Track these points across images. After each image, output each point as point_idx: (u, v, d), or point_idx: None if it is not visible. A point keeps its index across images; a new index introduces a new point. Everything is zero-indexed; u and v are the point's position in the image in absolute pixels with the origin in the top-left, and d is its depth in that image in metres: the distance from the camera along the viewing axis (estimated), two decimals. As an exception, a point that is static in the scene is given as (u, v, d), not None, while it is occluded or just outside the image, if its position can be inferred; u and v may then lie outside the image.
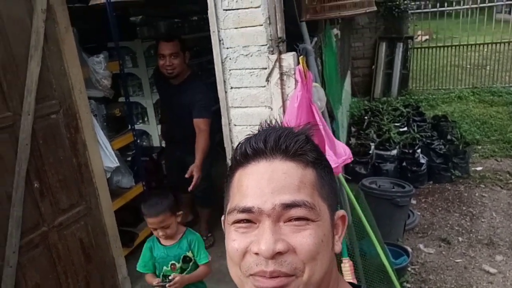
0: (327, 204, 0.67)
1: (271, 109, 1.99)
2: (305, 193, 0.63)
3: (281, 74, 1.89)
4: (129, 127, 3.01)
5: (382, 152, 4.76)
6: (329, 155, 2.01)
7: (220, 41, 1.93)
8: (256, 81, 1.96)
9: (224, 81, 2.01)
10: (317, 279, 0.64)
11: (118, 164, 2.58)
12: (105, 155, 2.52)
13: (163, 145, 4.02)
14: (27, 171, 2.06)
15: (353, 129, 5.68)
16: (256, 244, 0.62)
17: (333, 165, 1.94)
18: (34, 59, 2.02)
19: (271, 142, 0.65)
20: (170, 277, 1.97)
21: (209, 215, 3.43)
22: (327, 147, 1.98)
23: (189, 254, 2.09)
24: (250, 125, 2.06)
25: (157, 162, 4.16)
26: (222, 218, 0.71)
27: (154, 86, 4.29)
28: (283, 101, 1.94)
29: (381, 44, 7.36)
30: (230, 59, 1.96)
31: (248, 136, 0.69)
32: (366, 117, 5.94)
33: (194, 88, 2.92)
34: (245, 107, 2.03)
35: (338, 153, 2.07)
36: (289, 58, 1.87)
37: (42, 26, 2.03)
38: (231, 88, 2.02)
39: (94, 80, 2.44)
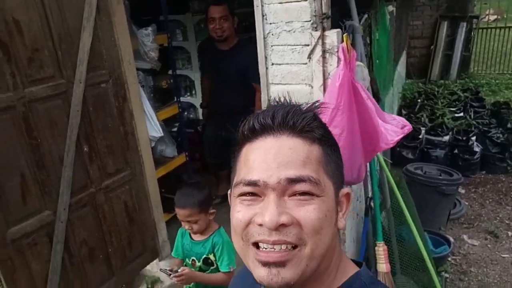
0: (332, 181, 0.68)
1: (312, 87, 1.96)
2: (310, 169, 0.64)
3: (324, 51, 1.85)
4: (175, 99, 3.09)
5: (433, 138, 4.56)
6: (386, 128, 1.96)
7: (263, 16, 1.91)
8: (297, 58, 1.93)
9: (266, 57, 2.00)
10: (320, 253, 0.64)
11: (162, 134, 2.68)
12: (150, 125, 2.63)
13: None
14: (77, 136, 2.20)
15: (403, 112, 5.45)
16: (260, 216, 0.63)
17: (394, 137, 1.91)
18: (87, 30, 2.12)
19: (279, 118, 0.66)
20: (179, 269, 1.90)
21: None
22: (380, 122, 1.93)
23: (211, 257, 2.00)
24: (289, 103, 2.05)
25: (202, 135, 4.28)
26: (229, 191, 0.73)
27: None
28: (324, 80, 1.90)
29: (442, 23, 6.90)
30: (272, 34, 1.94)
31: (256, 112, 0.70)
32: (419, 100, 5.67)
33: (248, 52, 2.76)
34: (285, 84, 2.02)
35: (394, 125, 2.02)
36: (332, 36, 1.82)
37: (94, -2, 2.11)
38: (272, 64, 2.01)
39: (142, 52, 2.52)
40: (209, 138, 3.48)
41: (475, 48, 7.35)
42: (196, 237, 2.05)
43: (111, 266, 2.54)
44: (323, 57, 1.86)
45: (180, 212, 1.93)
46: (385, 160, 2.39)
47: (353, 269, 0.72)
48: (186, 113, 4.30)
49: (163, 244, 2.95)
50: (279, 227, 0.61)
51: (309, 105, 0.70)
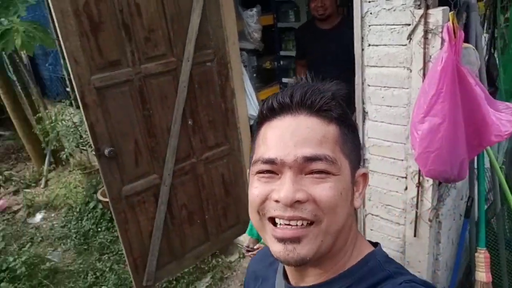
0: (348, 160, 0.68)
1: (410, 70, 1.82)
2: (327, 148, 0.65)
3: (426, 31, 1.69)
4: (277, 80, 3.16)
5: None
6: (499, 117, 1.75)
7: (362, -6, 1.83)
8: (396, 38, 1.80)
9: (362, 38, 1.91)
10: (335, 230, 0.66)
11: (261, 113, 2.77)
12: (250, 104, 2.75)
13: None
14: (183, 110, 2.42)
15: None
16: (276, 192, 0.65)
17: (509, 128, 1.70)
18: (196, 11, 2.29)
19: (297, 97, 0.67)
20: (255, 246, 1.92)
21: None
22: (491, 111, 1.72)
23: None
24: (385, 87, 1.93)
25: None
26: (248, 170, 0.75)
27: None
28: (425, 63, 1.75)
29: None
30: (371, 13, 1.84)
31: (275, 92, 0.71)
32: None
33: (352, 31, 2.67)
34: (381, 66, 1.90)
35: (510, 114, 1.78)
36: (437, 14, 1.65)
37: (204, -19, 2.27)
38: (369, 45, 1.91)
39: (247, 33, 2.63)
40: None
41: None
42: None
43: (207, 232, 2.78)
44: (425, 38, 1.70)
45: None
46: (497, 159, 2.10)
47: (368, 248, 0.73)
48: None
49: (256, 218, 3.09)
50: (295, 203, 0.63)
51: (328, 83, 0.70)
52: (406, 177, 2.03)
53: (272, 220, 0.66)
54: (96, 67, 2.03)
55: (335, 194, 0.64)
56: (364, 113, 2.05)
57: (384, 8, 1.79)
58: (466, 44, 1.68)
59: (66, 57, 1.95)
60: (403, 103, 1.90)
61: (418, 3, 1.68)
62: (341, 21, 2.85)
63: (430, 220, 1.97)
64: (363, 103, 2.04)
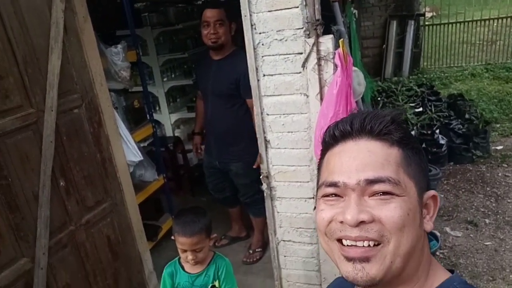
0: (413, 182, 0.68)
1: (307, 96, 1.89)
2: (389, 170, 0.66)
3: (319, 58, 1.78)
4: (148, 118, 2.91)
5: (400, 134, 4.65)
6: None
7: (252, 25, 1.82)
8: (291, 67, 1.85)
9: (256, 69, 1.90)
10: (404, 251, 0.65)
11: (142, 158, 2.49)
12: (127, 148, 2.44)
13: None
14: (52, 169, 1.97)
15: (368, 111, 5.55)
16: (341, 214, 0.66)
17: None
18: (55, 52, 1.91)
19: (357, 124, 0.69)
20: None
21: (263, 225, 2.93)
22: None
23: (216, 283, 1.86)
24: (284, 114, 1.96)
25: (174, 153, 4.09)
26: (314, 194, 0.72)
27: (194, 72, 4.04)
28: (321, 88, 1.84)
29: (391, 23, 7.16)
30: (263, 44, 1.85)
31: (336, 121, 0.75)
32: (379, 98, 5.82)
33: (241, 62, 2.31)
34: (279, 95, 1.93)
35: None
36: (327, 42, 1.76)
37: (61, 16, 1.91)
38: (264, 75, 1.91)
39: (113, 72, 2.34)
40: (208, 169, 3.04)
41: (423, 45, 7.70)
42: (194, 270, 1.85)
43: (98, 308, 2.31)
44: (319, 64, 1.80)
45: (186, 241, 1.72)
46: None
47: (445, 275, 0.71)
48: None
49: (150, 276, 2.74)
50: (359, 224, 0.64)
51: (388, 110, 0.73)
52: (313, 197, 2.08)
53: (340, 241, 0.68)
54: None
55: (401, 215, 0.64)
56: (266, 141, 2.04)
57: (276, 39, 1.82)
58: (353, 68, 1.84)
59: None
60: (303, 128, 1.96)
61: (308, 32, 1.76)
62: (234, 52, 2.66)
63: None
64: (264, 132, 2.02)
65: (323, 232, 0.70)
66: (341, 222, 0.66)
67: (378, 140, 0.68)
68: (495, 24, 8.06)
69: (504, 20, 7.93)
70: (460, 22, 8.09)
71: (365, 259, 0.64)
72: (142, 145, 3.23)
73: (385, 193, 0.65)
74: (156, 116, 4.38)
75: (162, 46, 4.38)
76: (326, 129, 0.75)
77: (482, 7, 7.89)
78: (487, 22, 8.07)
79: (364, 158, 0.67)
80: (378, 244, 0.65)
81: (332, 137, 0.72)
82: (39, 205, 1.93)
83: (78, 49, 2.06)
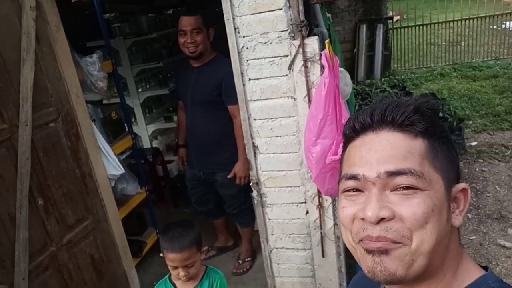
0: (440, 175, 0.65)
1: (295, 99, 1.86)
2: (412, 162, 0.63)
3: (305, 60, 1.76)
4: (127, 130, 2.80)
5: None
6: None
7: (235, 29, 1.78)
8: (277, 70, 1.82)
9: (242, 73, 1.86)
10: (427, 249, 0.62)
11: (123, 171, 2.39)
12: (108, 162, 2.33)
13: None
14: (29, 188, 1.85)
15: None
16: (362, 210, 0.64)
17: None
18: (27, 63, 1.80)
19: (377, 115, 0.66)
20: None
21: (251, 234, 2.91)
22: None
23: None
24: (271, 118, 1.92)
25: (153, 164, 3.98)
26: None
27: (172, 81, 4.01)
28: (308, 90, 1.81)
29: (361, 27, 7.30)
30: (247, 48, 1.81)
31: (357, 112, 0.71)
32: (355, 101, 5.89)
33: (222, 68, 2.34)
34: (266, 99, 1.89)
35: None
36: (313, 43, 1.74)
37: (32, 25, 1.81)
38: (249, 79, 1.87)
39: (89, 83, 2.24)
40: (191, 181, 2.92)
41: (392, 47, 7.88)
42: (189, 285, 1.74)
43: (84, 332, 2.18)
44: (305, 66, 1.77)
45: (176, 257, 1.61)
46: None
47: (478, 272, 0.68)
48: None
49: (137, 293, 2.63)
50: (380, 221, 0.62)
51: (412, 98, 0.67)
52: (305, 202, 2.05)
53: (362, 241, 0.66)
54: None
55: (424, 211, 0.61)
56: (255, 147, 1.99)
57: (260, 42, 1.78)
58: (340, 69, 1.82)
59: None
60: (292, 131, 1.92)
61: (293, 34, 1.74)
62: (214, 58, 2.55)
63: (338, 238, 2.04)
64: (252, 137, 1.98)
65: (349, 231, 0.67)
66: (362, 218, 0.64)
67: (401, 132, 0.65)
68: (457, 26, 8.37)
69: (466, 21, 8.25)
70: (426, 25, 8.34)
71: (384, 252, 0.62)
72: (121, 158, 3.12)
73: (408, 187, 0.62)
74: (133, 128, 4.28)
75: (135, 56, 4.28)
76: (347, 121, 0.72)
77: (445, 9, 8.18)
78: (450, 24, 8.37)
79: (385, 150, 0.64)
80: (398, 243, 0.62)
81: (352, 130, 0.69)
82: (16, 227, 1.81)
83: (52, 60, 1.96)
